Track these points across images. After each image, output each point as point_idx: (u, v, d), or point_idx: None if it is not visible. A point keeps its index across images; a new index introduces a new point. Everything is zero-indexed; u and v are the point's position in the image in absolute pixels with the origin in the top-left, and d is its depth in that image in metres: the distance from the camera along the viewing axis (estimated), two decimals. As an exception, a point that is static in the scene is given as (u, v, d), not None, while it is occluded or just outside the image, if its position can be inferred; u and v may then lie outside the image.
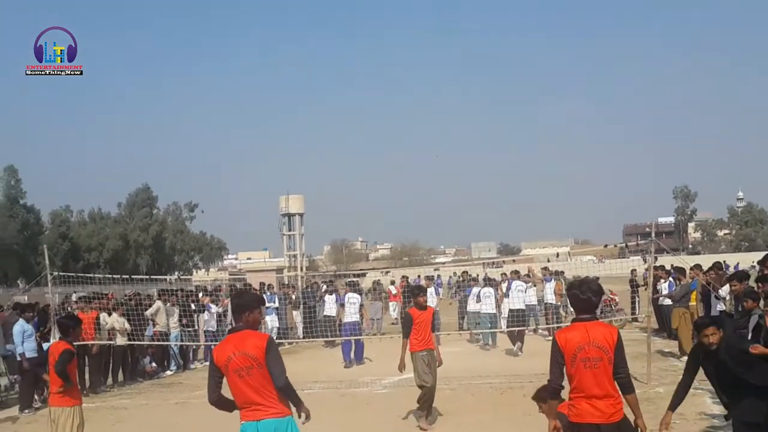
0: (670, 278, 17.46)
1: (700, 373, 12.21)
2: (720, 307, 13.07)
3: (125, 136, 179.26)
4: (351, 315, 16.72)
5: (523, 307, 17.47)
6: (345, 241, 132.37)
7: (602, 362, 4.79)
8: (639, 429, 4.92)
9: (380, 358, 15.67)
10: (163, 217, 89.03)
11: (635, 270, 21.59)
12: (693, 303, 14.95)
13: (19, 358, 12.34)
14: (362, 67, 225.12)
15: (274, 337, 17.48)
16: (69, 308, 15.20)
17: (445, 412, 10.09)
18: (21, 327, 12.46)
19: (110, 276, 21.80)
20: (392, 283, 27.39)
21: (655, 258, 14.10)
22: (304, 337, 19.63)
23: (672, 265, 16.16)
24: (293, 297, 21.55)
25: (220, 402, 5.28)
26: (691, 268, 15.45)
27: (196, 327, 17.74)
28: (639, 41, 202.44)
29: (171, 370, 16.51)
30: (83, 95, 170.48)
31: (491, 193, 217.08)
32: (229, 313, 18.19)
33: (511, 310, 17.39)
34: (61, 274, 16.09)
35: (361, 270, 69.51)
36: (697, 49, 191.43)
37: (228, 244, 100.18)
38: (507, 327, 16.95)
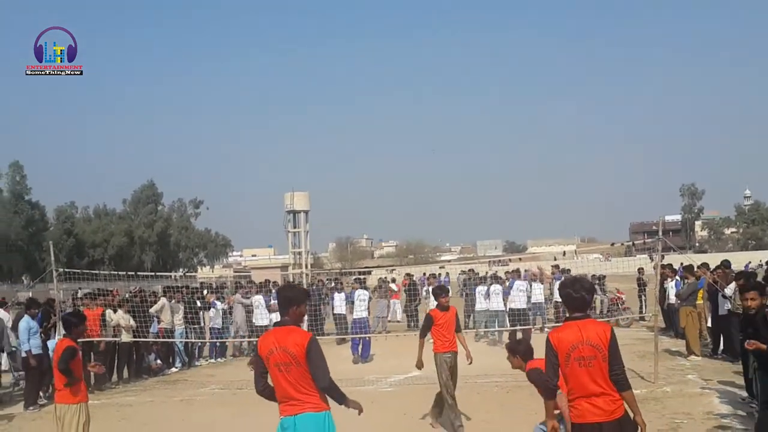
0: (677, 277, 17.41)
1: (704, 373, 12.20)
2: (727, 306, 12.99)
3: (130, 133, 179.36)
4: (360, 311, 16.95)
5: (524, 307, 17.59)
6: (350, 238, 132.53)
7: (596, 360, 4.74)
8: (638, 425, 4.86)
9: (386, 356, 15.66)
10: (168, 213, 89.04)
11: (642, 269, 21.48)
12: (700, 302, 14.89)
13: (24, 355, 12.33)
14: (368, 64, 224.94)
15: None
16: (74, 305, 15.22)
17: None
18: (27, 324, 12.45)
19: (115, 272, 21.77)
20: (393, 281, 27.34)
21: (662, 256, 14.03)
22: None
23: (681, 264, 16.09)
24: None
25: (266, 391, 5.34)
26: (698, 267, 15.39)
27: (202, 324, 17.74)
28: (646, 39, 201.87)
29: (176, 367, 16.51)
30: (88, 92, 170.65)
31: (497, 191, 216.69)
32: (236, 308, 18.25)
33: (511, 310, 17.50)
34: (66, 270, 16.10)
35: (366, 267, 69.54)
36: (705, 46, 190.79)
37: (233, 241, 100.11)
38: (510, 326, 17.00)
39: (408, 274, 26.95)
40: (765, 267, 44.30)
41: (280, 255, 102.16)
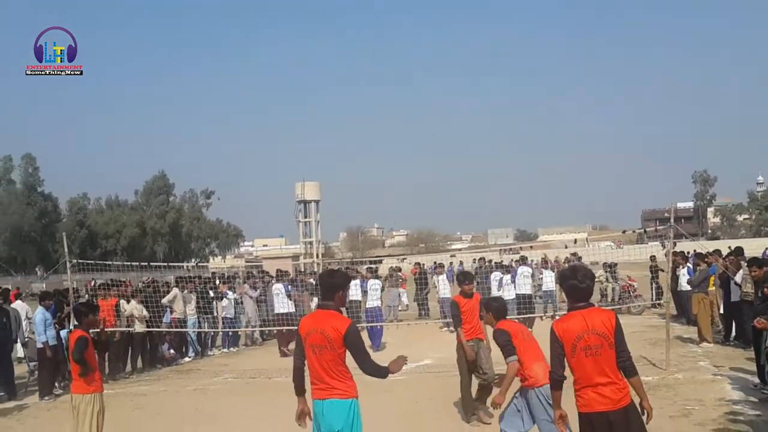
0: (689, 264, 17.35)
1: (716, 360, 12.20)
2: (740, 292, 12.95)
3: (142, 125, 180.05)
4: (373, 301, 17.06)
5: (530, 293, 17.93)
6: (361, 227, 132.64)
7: (603, 349, 4.72)
8: (645, 410, 4.86)
9: (398, 345, 15.69)
10: (179, 204, 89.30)
11: (655, 256, 21.40)
12: (712, 288, 14.83)
13: (41, 346, 12.42)
14: (379, 54, 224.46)
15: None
16: (87, 295, 15.32)
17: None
18: (43, 315, 12.55)
19: (128, 263, 21.90)
20: (399, 270, 27.39)
21: (674, 243, 13.97)
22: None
23: (694, 251, 16.03)
24: (312, 283, 21.58)
25: (297, 373, 5.47)
26: (710, 254, 15.33)
27: (215, 314, 17.83)
28: (658, 25, 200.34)
29: (189, 357, 16.60)
30: (100, 84, 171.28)
31: (508, 179, 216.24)
32: (245, 300, 18.32)
33: (518, 295, 17.64)
34: (80, 261, 16.19)
35: (377, 256, 69.58)
36: (718, 32, 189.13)
37: (244, 231, 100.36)
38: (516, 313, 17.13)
39: (417, 263, 26.96)
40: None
41: (291, 245, 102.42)
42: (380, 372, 5.26)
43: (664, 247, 17.36)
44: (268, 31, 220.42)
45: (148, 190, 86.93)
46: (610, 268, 21.32)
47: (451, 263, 25.54)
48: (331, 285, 5.34)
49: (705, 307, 14.44)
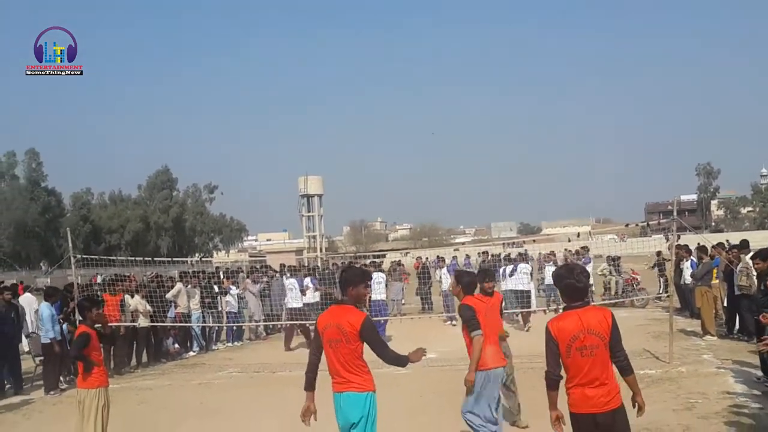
0: (692, 257, 17.34)
1: (719, 353, 12.21)
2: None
3: (145, 120, 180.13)
4: (378, 294, 17.11)
5: (528, 289, 18.11)
6: (364, 221, 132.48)
7: (599, 349, 4.66)
8: (638, 406, 4.84)
9: (401, 339, 15.71)
10: (183, 198, 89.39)
11: (661, 252, 21.36)
12: (715, 282, 14.83)
13: (48, 341, 12.47)
14: (382, 49, 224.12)
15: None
16: (90, 290, 15.35)
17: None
18: (50, 311, 12.61)
19: (132, 258, 21.94)
20: (400, 264, 27.43)
21: (678, 236, 13.95)
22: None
23: (698, 244, 16.00)
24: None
25: (310, 368, 5.55)
26: (713, 247, 15.32)
27: (219, 308, 17.88)
28: (663, 17, 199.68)
29: (194, 351, 16.66)
30: (103, 81, 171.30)
31: (511, 172, 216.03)
32: (248, 294, 18.37)
33: (516, 291, 17.80)
34: (84, 256, 16.23)
35: (380, 251, 69.59)
36: (721, 25, 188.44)
37: (248, 226, 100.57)
38: (512, 308, 17.32)
39: (419, 257, 26.97)
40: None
41: (294, 239, 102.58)
42: (400, 361, 5.42)
43: (667, 240, 17.33)
44: (271, 27, 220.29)
45: (152, 185, 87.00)
46: (614, 261, 21.29)
47: (454, 257, 25.42)
48: (343, 280, 5.51)
49: (708, 301, 14.44)
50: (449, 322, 18.77)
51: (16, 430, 10.04)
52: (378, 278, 17.62)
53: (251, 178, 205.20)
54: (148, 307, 15.02)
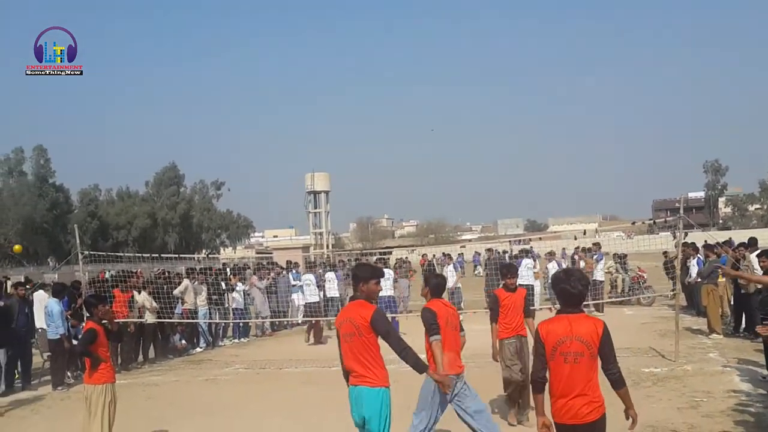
0: (699, 255, 17.31)
1: (725, 352, 12.20)
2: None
3: (152, 117, 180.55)
4: (386, 290, 17.15)
5: (532, 284, 18.30)
6: (371, 218, 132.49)
7: (584, 358, 4.53)
8: (631, 419, 4.72)
9: (406, 336, 15.75)
10: (190, 195, 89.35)
11: (668, 252, 21.31)
12: (721, 280, 14.80)
13: (58, 337, 12.54)
14: (388, 45, 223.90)
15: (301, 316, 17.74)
16: (95, 287, 15.41)
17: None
18: (60, 307, 12.69)
19: (139, 255, 22.02)
20: (405, 261, 27.47)
21: (686, 234, 13.92)
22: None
23: (705, 241, 15.97)
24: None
25: (342, 365, 5.69)
26: (720, 245, 15.29)
27: (226, 305, 17.95)
28: (670, 14, 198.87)
29: (200, 347, 16.72)
30: (111, 77, 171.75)
31: (518, 170, 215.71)
32: (254, 291, 18.46)
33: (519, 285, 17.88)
34: (91, 252, 16.30)
35: (386, 247, 69.59)
36: (730, 21, 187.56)
37: (254, 222, 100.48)
38: None
39: (424, 255, 26.99)
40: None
41: (301, 236, 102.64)
42: (418, 365, 5.56)
43: (675, 238, 17.31)
44: (279, 23, 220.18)
45: (159, 181, 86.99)
46: (621, 259, 21.27)
47: (460, 254, 25.46)
48: (354, 276, 5.68)
49: (714, 299, 14.42)
50: (455, 319, 18.83)
51: (25, 424, 10.10)
52: (386, 274, 17.69)
53: (258, 174, 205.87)
54: (155, 304, 15.08)
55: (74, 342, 12.37)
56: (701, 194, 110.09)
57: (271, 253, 33.88)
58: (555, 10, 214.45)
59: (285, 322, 19.79)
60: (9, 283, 19.83)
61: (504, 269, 8.79)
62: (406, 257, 30.20)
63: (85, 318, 10.64)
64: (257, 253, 77.78)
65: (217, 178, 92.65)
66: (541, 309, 17.56)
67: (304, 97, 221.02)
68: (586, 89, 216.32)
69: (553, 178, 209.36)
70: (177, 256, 30.12)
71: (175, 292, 16.13)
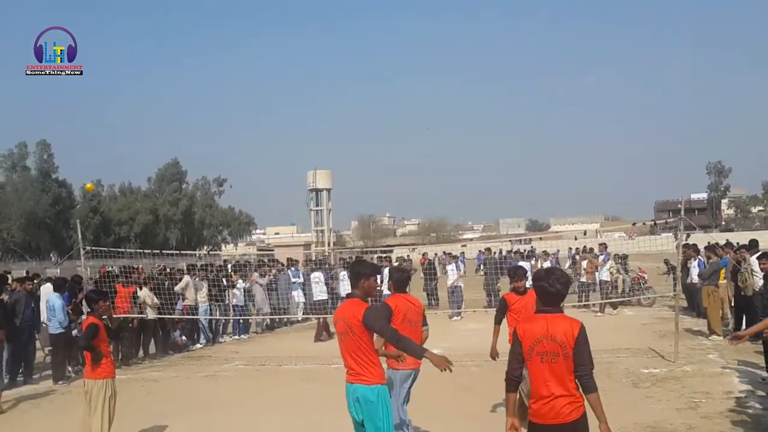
0: (700, 257, 17.31)
1: (725, 353, 12.19)
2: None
3: (155, 113, 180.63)
4: (387, 288, 17.22)
5: (528, 286, 17.87)
6: (372, 216, 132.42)
7: (559, 358, 4.43)
8: None
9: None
10: (192, 191, 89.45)
11: (668, 260, 21.31)
12: (722, 281, 14.80)
13: (62, 330, 12.58)
14: (389, 43, 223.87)
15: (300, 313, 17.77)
16: (110, 280, 15.44)
17: (472, 389, 10.15)
18: (61, 301, 12.72)
19: (140, 250, 22.07)
20: (406, 260, 27.50)
21: (687, 235, 13.91)
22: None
23: (708, 243, 15.97)
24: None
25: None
26: (721, 247, 15.29)
27: (227, 301, 17.97)
28: (673, 15, 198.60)
29: (201, 344, 16.74)
30: (114, 73, 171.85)
31: (520, 169, 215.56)
32: (255, 288, 18.48)
33: None
34: (93, 248, 16.33)
35: (388, 246, 69.58)
36: (734, 20, 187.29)
37: (256, 219, 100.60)
38: None
39: (425, 253, 26.99)
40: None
41: (302, 233, 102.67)
42: (416, 351, 5.31)
43: (676, 239, 17.32)
44: (281, 20, 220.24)
45: (161, 177, 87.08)
46: (621, 260, 21.27)
47: (462, 252, 25.40)
48: (355, 274, 5.63)
49: (715, 300, 14.42)
50: (456, 318, 18.84)
51: (26, 418, 10.13)
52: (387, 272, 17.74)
53: (260, 171, 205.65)
54: (156, 300, 15.10)
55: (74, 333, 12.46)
56: (704, 196, 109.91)
57: (272, 251, 33.91)
58: (555, 10, 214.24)
59: (285, 320, 19.81)
60: (10, 277, 19.86)
61: (511, 272, 8.64)
62: (408, 255, 30.20)
63: (85, 313, 10.69)
64: (258, 250, 77.81)
65: (219, 175, 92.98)
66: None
67: (305, 97, 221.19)
68: (586, 89, 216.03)
69: (555, 178, 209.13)
70: (178, 252, 30.13)
71: (176, 288, 16.15)
